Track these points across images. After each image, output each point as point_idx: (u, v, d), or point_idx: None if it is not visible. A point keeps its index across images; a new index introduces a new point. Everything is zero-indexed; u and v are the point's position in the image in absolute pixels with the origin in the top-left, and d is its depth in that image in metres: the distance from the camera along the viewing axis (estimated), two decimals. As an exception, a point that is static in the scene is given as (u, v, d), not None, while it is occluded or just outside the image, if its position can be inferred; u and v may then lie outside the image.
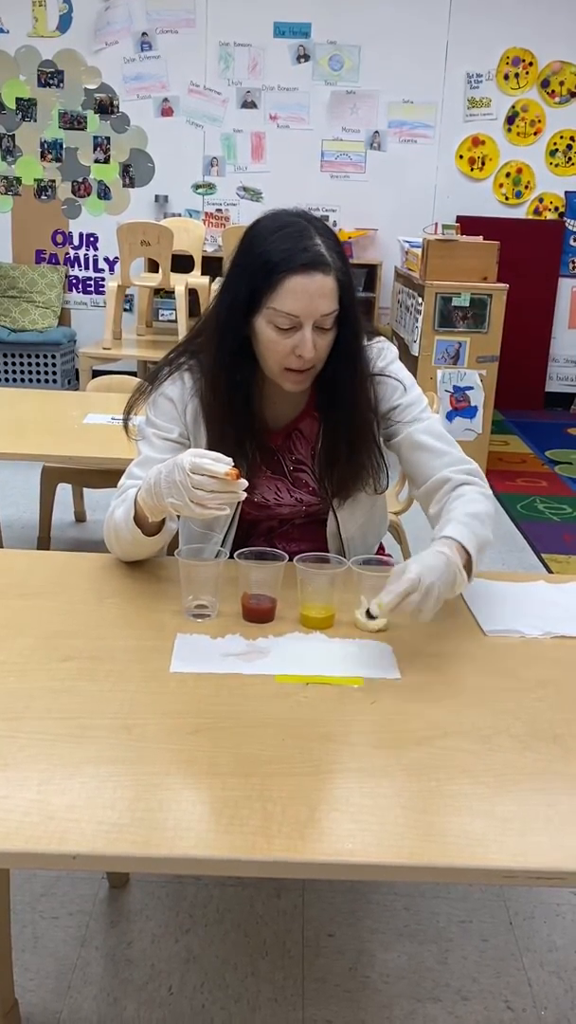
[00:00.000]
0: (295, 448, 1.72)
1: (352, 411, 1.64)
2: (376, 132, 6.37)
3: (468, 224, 5.95)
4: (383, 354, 1.71)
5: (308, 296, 1.47)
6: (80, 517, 4.10)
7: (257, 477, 1.69)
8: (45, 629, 1.42)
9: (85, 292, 6.64)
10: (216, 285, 5.04)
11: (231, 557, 1.59)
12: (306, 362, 1.53)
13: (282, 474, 1.73)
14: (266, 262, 1.47)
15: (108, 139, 6.37)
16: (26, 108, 6.33)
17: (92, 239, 6.55)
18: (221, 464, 1.38)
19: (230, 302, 1.53)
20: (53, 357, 6.22)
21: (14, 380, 6.24)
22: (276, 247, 1.47)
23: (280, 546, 1.71)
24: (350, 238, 6.21)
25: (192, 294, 5.21)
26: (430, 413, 1.71)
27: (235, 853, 0.97)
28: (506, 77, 6.29)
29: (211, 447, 1.54)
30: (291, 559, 1.50)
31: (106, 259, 6.54)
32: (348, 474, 1.68)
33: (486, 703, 1.29)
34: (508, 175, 6.48)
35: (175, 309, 5.17)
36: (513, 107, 6.35)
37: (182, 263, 5.47)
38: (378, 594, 1.41)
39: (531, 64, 6.26)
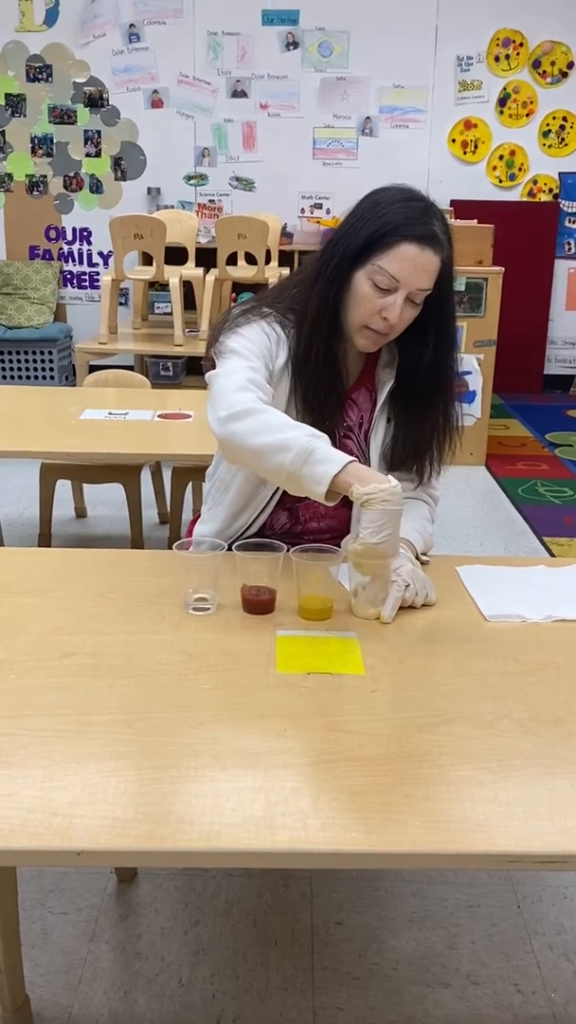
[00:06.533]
0: (347, 415, 1.75)
1: (435, 403, 1.72)
2: (367, 118, 6.34)
3: (462, 208, 5.93)
4: None
5: (414, 266, 1.54)
6: (80, 513, 4.10)
7: None
8: (46, 626, 1.42)
9: (80, 287, 6.62)
10: (211, 276, 5.05)
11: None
12: (387, 326, 1.59)
13: (332, 439, 1.74)
14: (387, 222, 1.55)
15: (99, 132, 6.35)
16: (15, 104, 6.31)
17: (85, 233, 6.53)
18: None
19: (344, 248, 1.58)
20: (50, 353, 6.21)
21: (11, 377, 6.23)
22: (399, 212, 1.55)
23: (304, 515, 1.75)
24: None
25: (187, 286, 5.18)
26: None
27: (239, 845, 0.97)
28: (497, 59, 6.26)
29: (288, 400, 1.64)
30: (310, 536, 1.52)
31: (100, 253, 6.53)
32: (411, 457, 1.76)
33: (487, 688, 1.29)
34: (501, 158, 6.45)
35: (170, 302, 5.15)
36: (504, 89, 6.32)
37: (176, 255, 5.44)
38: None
39: (521, 45, 6.23)
